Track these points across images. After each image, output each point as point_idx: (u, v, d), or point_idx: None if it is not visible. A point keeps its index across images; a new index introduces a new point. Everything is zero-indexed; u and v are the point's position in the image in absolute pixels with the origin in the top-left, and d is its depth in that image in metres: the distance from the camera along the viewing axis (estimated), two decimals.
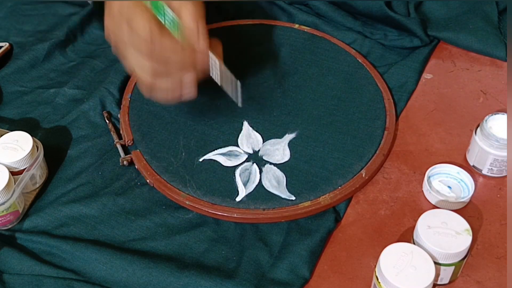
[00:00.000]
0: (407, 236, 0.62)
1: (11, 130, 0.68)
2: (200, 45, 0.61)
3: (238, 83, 0.65)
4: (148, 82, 0.62)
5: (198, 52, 0.61)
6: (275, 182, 0.65)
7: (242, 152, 0.68)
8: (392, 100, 0.74)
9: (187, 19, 0.61)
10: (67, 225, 0.64)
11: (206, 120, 0.72)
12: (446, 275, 0.57)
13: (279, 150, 0.69)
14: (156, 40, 0.59)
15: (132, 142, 0.71)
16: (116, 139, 0.71)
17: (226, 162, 0.67)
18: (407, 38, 0.82)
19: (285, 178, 0.66)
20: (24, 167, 0.65)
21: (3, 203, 0.61)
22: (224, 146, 0.69)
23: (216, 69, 0.64)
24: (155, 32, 0.59)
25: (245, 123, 0.71)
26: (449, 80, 0.78)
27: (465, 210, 0.64)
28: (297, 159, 0.68)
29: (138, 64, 0.61)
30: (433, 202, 0.65)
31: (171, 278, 0.58)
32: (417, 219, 0.57)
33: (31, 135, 0.66)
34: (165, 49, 0.60)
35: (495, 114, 0.66)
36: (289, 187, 0.65)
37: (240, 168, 0.67)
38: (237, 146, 0.69)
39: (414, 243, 0.57)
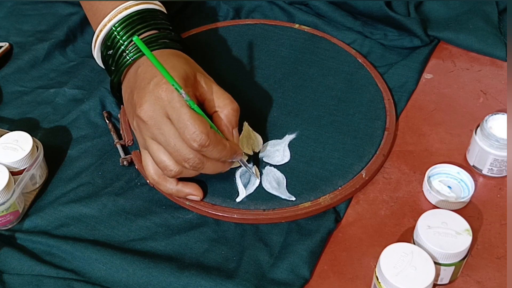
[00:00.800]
0: (407, 236, 0.62)
1: (11, 130, 0.68)
2: (238, 154, 0.62)
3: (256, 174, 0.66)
4: (170, 175, 0.61)
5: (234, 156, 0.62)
6: (275, 184, 0.65)
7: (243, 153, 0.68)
8: (392, 100, 0.74)
9: (227, 130, 0.62)
10: (67, 225, 0.64)
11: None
12: (446, 275, 0.57)
13: (279, 151, 0.68)
14: (206, 151, 0.58)
15: (132, 142, 0.71)
16: (116, 139, 0.71)
17: None
18: (407, 38, 0.82)
19: (285, 179, 0.66)
20: (24, 167, 0.65)
21: (3, 203, 0.61)
22: None
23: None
24: (211, 140, 0.57)
25: (245, 124, 0.71)
26: (449, 80, 0.78)
27: (465, 210, 0.64)
28: (297, 159, 0.68)
29: (165, 164, 0.60)
30: (433, 202, 0.65)
31: (171, 278, 0.58)
32: (417, 219, 0.57)
33: (31, 135, 0.66)
34: (208, 159, 0.59)
35: (495, 114, 0.66)
36: (289, 188, 0.65)
37: (240, 170, 0.67)
38: None
39: (414, 243, 0.57)
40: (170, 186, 0.63)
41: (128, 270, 0.59)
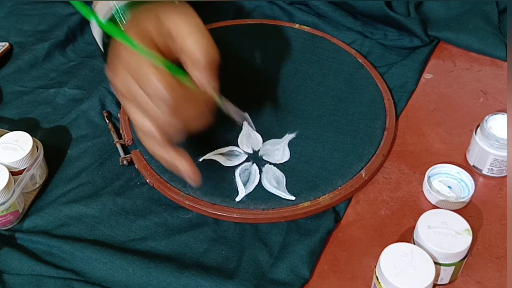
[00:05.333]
0: (407, 236, 0.62)
1: (11, 130, 0.68)
2: (211, 94, 0.57)
3: (246, 114, 0.66)
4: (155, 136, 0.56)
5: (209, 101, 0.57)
6: (275, 182, 0.65)
7: (242, 152, 0.68)
8: (392, 100, 0.74)
9: (197, 72, 0.56)
10: (67, 225, 0.64)
11: None
12: (446, 275, 0.57)
13: (279, 150, 0.69)
14: (178, 102, 0.54)
15: (132, 141, 0.71)
16: (116, 139, 0.71)
17: (226, 162, 0.67)
18: (407, 38, 0.82)
19: (284, 178, 0.66)
20: (24, 167, 0.65)
21: (3, 203, 0.61)
22: (224, 146, 0.69)
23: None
24: (176, 90, 0.53)
25: (245, 123, 0.71)
26: (449, 80, 0.78)
27: (465, 210, 0.64)
28: (297, 159, 0.68)
29: (144, 124, 0.56)
30: (433, 202, 0.65)
31: (171, 278, 0.58)
32: (417, 219, 0.57)
33: (31, 135, 0.66)
34: (183, 107, 0.55)
35: (495, 114, 0.66)
36: (289, 187, 0.65)
37: (240, 168, 0.67)
38: (237, 146, 0.69)
39: (414, 243, 0.57)
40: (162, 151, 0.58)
41: (128, 270, 0.59)
